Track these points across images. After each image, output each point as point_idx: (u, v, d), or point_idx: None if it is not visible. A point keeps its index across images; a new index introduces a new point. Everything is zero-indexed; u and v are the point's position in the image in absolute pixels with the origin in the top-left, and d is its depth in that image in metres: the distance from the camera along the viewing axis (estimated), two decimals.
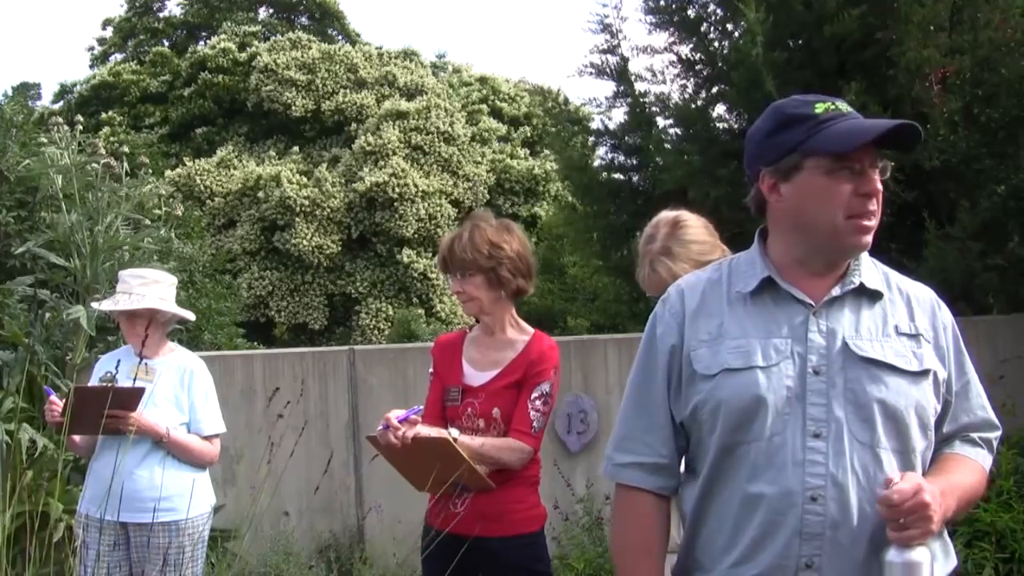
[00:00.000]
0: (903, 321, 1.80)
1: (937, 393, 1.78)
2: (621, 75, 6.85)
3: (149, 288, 3.76)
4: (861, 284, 1.79)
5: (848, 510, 1.68)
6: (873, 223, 1.76)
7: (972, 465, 1.82)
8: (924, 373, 1.76)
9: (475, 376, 2.99)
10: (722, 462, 1.78)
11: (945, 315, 1.85)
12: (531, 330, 3.05)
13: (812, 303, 1.78)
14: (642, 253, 2.72)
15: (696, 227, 2.69)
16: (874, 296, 1.80)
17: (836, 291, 1.79)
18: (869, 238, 1.77)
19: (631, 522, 1.88)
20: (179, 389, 3.74)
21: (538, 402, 2.92)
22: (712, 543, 1.80)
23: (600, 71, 6.84)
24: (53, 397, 3.72)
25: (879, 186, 1.76)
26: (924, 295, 1.86)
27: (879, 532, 1.67)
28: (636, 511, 1.87)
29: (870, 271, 1.83)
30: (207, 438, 3.78)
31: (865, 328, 1.77)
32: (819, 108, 1.78)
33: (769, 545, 1.71)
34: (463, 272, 2.97)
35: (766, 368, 1.75)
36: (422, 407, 2.94)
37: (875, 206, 1.76)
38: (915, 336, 1.78)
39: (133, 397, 3.52)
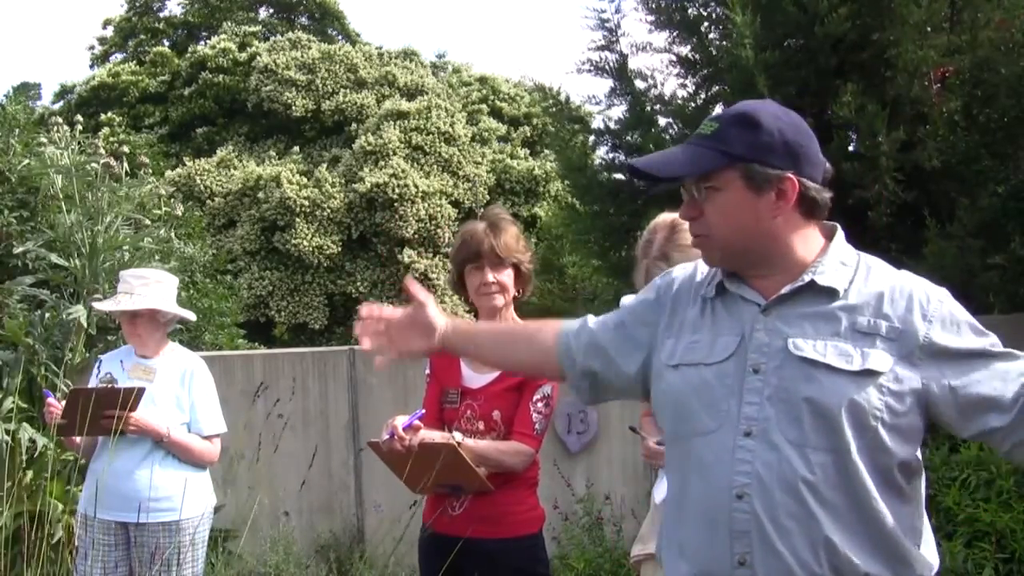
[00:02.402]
0: (863, 319, 1.74)
1: (896, 394, 1.70)
2: (620, 72, 6.84)
3: (150, 288, 3.77)
4: (812, 282, 1.77)
5: (773, 508, 1.68)
6: (699, 242, 1.84)
7: None
8: (866, 373, 1.69)
9: (474, 378, 2.97)
10: (672, 455, 1.85)
11: (933, 311, 1.74)
12: None
13: (762, 302, 1.79)
14: (639, 258, 2.72)
15: None
16: (831, 294, 1.77)
17: (785, 290, 1.78)
18: (705, 255, 1.85)
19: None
20: (180, 389, 3.74)
21: (540, 404, 2.90)
22: (667, 539, 1.86)
23: (599, 68, 6.83)
24: (51, 400, 3.72)
25: (688, 211, 1.83)
26: (909, 290, 1.77)
27: (806, 530, 1.67)
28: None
29: (835, 269, 1.79)
30: (207, 438, 3.79)
31: (813, 327, 1.74)
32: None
33: (706, 542, 1.74)
34: (498, 264, 2.95)
35: (710, 365, 1.78)
36: (424, 411, 2.92)
37: (696, 229, 1.83)
38: (871, 335, 1.72)
39: (133, 398, 3.52)
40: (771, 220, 1.77)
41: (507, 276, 2.96)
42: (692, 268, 1.96)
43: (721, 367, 1.77)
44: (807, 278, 1.77)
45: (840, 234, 1.85)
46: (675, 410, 1.82)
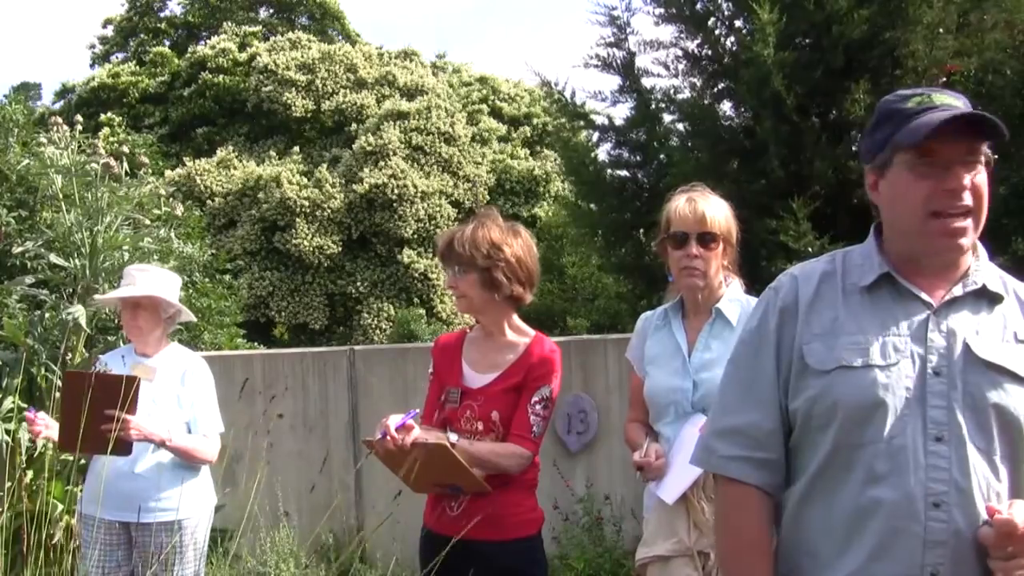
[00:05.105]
0: (1022, 328, 1.72)
1: None
2: (627, 69, 6.81)
3: (153, 278, 3.77)
4: (983, 286, 1.73)
5: (973, 517, 1.61)
6: (962, 224, 1.69)
7: None
8: None
9: (474, 378, 2.94)
10: (832, 463, 1.70)
11: None
12: (532, 332, 2.97)
13: (932, 302, 1.71)
14: None
15: None
16: (995, 299, 1.73)
17: (958, 291, 1.72)
18: (960, 241, 1.70)
19: (742, 519, 1.76)
20: (179, 387, 3.73)
21: (538, 407, 2.86)
22: (819, 549, 1.71)
23: (606, 64, 6.78)
24: (30, 415, 3.67)
25: (965, 181, 1.68)
26: None
27: None
28: (746, 508, 1.76)
29: (991, 275, 1.76)
30: (207, 437, 3.77)
31: (985, 331, 1.70)
32: (912, 101, 1.73)
33: (891, 553, 1.63)
34: (458, 267, 2.89)
35: (885, 367, 1.67)
36: (419, 411, 2.89)
37: (964, 201, 1.68)
38: None
39: (127, 386, 3.44)
40: None
41: (467, 282, 2.89)
42: (811, 267, 1.84)
43: (897, 368, 1.67)
44: (979, 281, 1.73)
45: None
46: (845, 417, 1.68)
